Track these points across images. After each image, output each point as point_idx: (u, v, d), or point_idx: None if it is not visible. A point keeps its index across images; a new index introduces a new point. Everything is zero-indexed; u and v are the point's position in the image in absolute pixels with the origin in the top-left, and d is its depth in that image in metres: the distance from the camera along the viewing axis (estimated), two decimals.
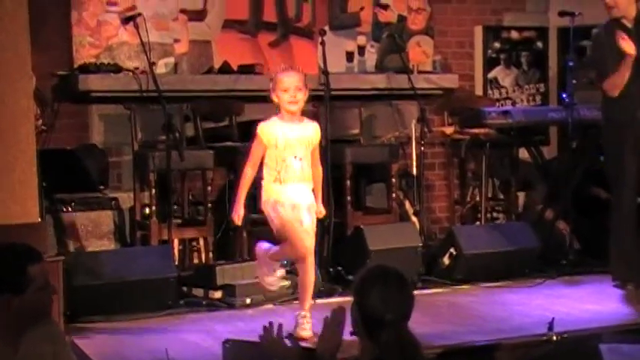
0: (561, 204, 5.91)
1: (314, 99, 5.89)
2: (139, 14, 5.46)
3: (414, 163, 6.03)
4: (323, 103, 5.64)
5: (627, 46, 4.68)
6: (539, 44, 7.16)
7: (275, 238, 4.28)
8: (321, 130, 5.69)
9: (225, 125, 5.93)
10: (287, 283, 5.05)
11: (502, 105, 6.85)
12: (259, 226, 5.63)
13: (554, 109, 6.26)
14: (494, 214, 6.61)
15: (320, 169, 4.35)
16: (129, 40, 5.83)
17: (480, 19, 7.00)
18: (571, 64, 5.62)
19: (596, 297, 4.89)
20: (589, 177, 5.86)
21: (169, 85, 5.56)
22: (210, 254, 5.43)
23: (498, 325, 4.35)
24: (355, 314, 2.45)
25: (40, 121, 4.98)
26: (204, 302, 4.91)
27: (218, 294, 4.89)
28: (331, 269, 5.30)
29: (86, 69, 5.60)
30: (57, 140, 5.48)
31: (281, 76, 4.20)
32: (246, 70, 5.98)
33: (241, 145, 5.39)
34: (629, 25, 4.84)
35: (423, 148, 5.93)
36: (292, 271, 5.10)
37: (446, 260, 5.46)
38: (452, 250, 5.44)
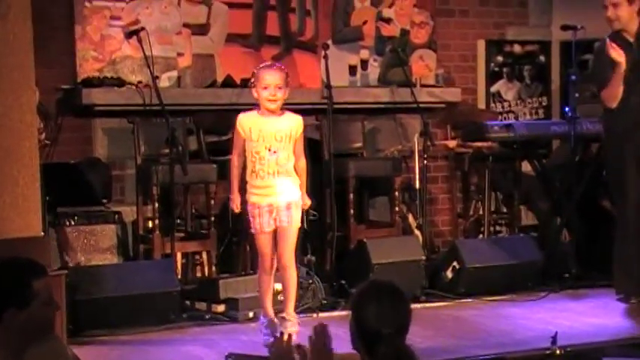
0: (565, 217, 5.90)
1: (317, 112, 5.94)
2: (143, 28, 5.48)
3: (417, 177, 6.03)
4: (326, 117, 5.66)
5: (616, 55, 4.69)
6: (542, 58, 7.17)
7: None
8: (325, 144, 5.77)
9: (229, 139, 5.92)
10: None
11: (505, 118, 6.86)
12: None
13: (557, 123, 6.26)
14: (497, 228, 6.60)
15: (303, 161, 4.37)
16: (132, 54, 5.85)
17: (483, 32, 7.01)
18: (573, 77, 5.62)
19: (599, 311, 4.88)
20: (592, 190, 5.86)
21: (172, 99, 5.58)
22: (213, 268, 5.43)
23: (501, 339, 4.34)
24: (353, 329, 2.45)
25: (44, 135, 5.00)
26: (207, 316, 4.90)
27: (221, 308, 4.88)
28: (334, 283, 5.30)
29: (90, 83, 5.62)
30: (60, 154, 5.49)
31: (262, 73, 4.26)
32: (250, 83, 5.98)
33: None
34: (630, 39, 4.85)
35: (425, 162, 5.93)
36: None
37: (449, 274, 5.46)
38: (455, 263, 5.43)
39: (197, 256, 5.63)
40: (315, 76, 6.29)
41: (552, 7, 7.18)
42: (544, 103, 7.18)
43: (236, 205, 4.30)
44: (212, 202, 5.50)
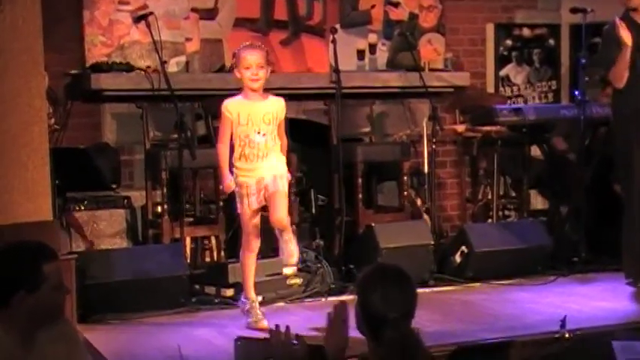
0: (573, 201, 5.89)
1: (325, 97, 5.93)
2: (151, 13, 5.47)
3: (426, 161, 6.03)
4: (334, 102, 5.65)
5: (625, 34, 4.67)
6: (551, 41, 7.13)
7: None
8: (333, 129, 5.77)
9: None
10: (298, 280, 5.06)
11: (514, 103, 6.84)
12: (271, 223, 5.65)
13: (566, 107, 6.24)
14: (506, 212, 6.60)
15: (285, 140, 4.41)
16: (140, 39, 5.85)
17: (492, 16, 6.98)
18: (583, 61, 5.60)
19: (608, 294, 4.88)
20: (602, 174, 5.84)
21: (181, 84, 5.58)
22: (222, 252, 5.44)
23: (510, 323, 4.34)
24: (359, 314, 2.45)
25: (53, 120, 5.02)
26: (216, 300, 4.92)
27: (230, 292, 4.90)
28: (343, 267, 5.31)
29: (98, 68, 5.62)
30: (69, 139, 5.50)
31: (243, 53, 4.25)
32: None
33: None
34: (639, 21, 4.82)
35: (434, 146, 5.92)
36: (304, 269, 5.12)
37: (457, 258, 5.46)
38: (463, 248, 5.44)
39: (206, 241, 5.65)
40: (323, 61, 6.28)
41: None
42: (553, 87, 7.15)
43: (227, 185, 4.27)
44: (221, 186, 5.50)
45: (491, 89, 6.96)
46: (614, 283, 5.05)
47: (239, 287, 4.91)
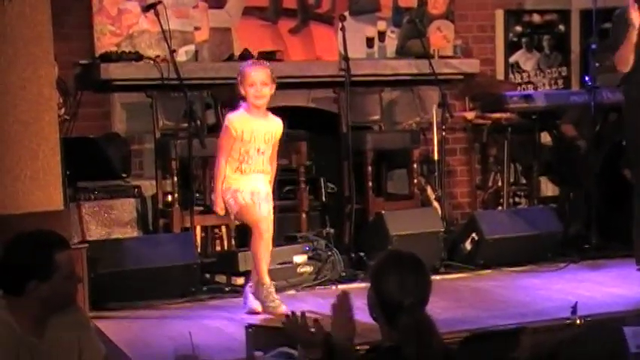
0: (584, 187, 5.87)
1: (334, 85, 5.92)
2: (160, 2, 5.47)
3: (436, 149, 6.01)
4: (343, 90, 5.64)
5: (635, 16, 4.63)
6: (562, 27, 7.09)
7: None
8: (343, 117, 5.76)
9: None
10: (309, 269, 5.08)
11: (524, 89, 6.81)
12: (281, 212, 5.66)
13: (577, 93, 6.21)
14: (516, 199, 6.58)
15: (276, 164, 4.53)
16: (149, 29, 5.84)
17: (501, 2, 6.94)
18: (594, 47, 5.57)
19: (619, 281, 4.86)
20: (613, 160, 5.82)
21: (190, 73, 5.58)
22: (232, 241, 5.45)
23: (521, 310, 4.34)
24: (373, 300, 2.45)
25: (63, 110, 5.03)
26: (226, 288, 4.94)
27: (240, 280, 4.91)
28: (353, 255, 5.31)
29: (108, 57, 5.62)
30: (80, 129, 5.51)
31: (248, 70, 4.35)
32: (267, 56, 5.95)
33: None
34: None
35: (444, 134, 5.91)
36: (314, 257, 5.13)
37: (468, 245, 5.45)
38: (474, 235, 5.43)
39: (216, 230, 5.66)
40: (332, 49, 6.27)
41: None
42: (563, 74, 7.11)
43: (220, 208, 4.38)
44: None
45: (501, 76, 6.93)
46: (625, 269, 5.03)
47: (250, 275, 4.92)
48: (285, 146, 5.63)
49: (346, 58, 5.56)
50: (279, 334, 3.38)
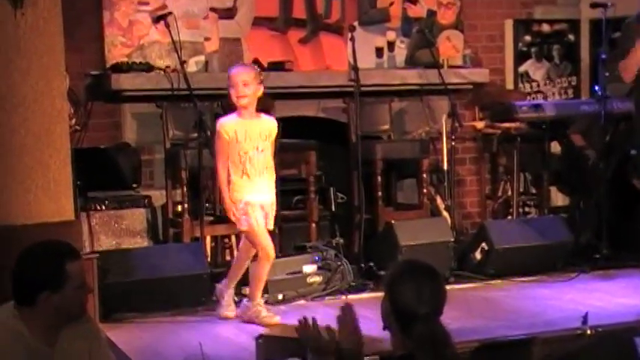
0: (595, 197, 5.85)
1: (344, 95, 5.94)
2: (170, 13, 5.50)
3: (445, 158, 6.01)
4: (353, 99, 5.65)
5: None
6: (571, 37, 7.09)
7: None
8: (352, 126, 5.77)
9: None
10: (319, 279, 5.08)
11: (533, 99, 6.80)
12: (290, 222, 5.67)
13: (587, 102, 6.20)
14: (526, 209, 6.57)
15: (272, 165, 4.51)
16: (160, 39, 5.88)
17: (511, 12, 6.95)
18: (603, 56, 5.56)
19: (630, 291, 4.84)
20: (623, 169, 5.80)
21: (200, 83, 5.60)
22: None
23: (531, 320, 4.33)
24: (387, 309, 2.44)
25: (74, 121, 5.05)
26: (236, 299, 4.93)
27: (248, 290, 4.90)
28: (362, 265, 5.31)
29: (118, 68, 5.65)
30: (90, 139, 5.53)
31: (230, 72, 4.43)
32: (277, 67, 6.00)
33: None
34: None
35: (453, 143, 5.91)
36: (324, 267, 5.13)
37: (478, 255, 5.44)
38: (484, 245, 5.42)
39: (226, 240, 5.66)
40: (341, 59, 6.28)
41: None
42: (573, 83, 7.11)
43: (232, 213, 4.39)
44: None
45: (510, 86, 6.93)
46: (635, 279, 5.02)
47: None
48: (295, 156, 5.66)
49: (356, 68, 5.57)
50: (289, 344, 3.39)
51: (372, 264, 5.28)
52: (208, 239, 5.38)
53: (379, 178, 5.81)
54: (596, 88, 5.82)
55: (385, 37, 6.56)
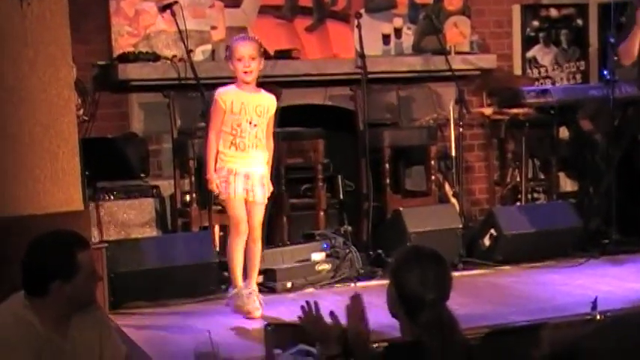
0: (604, 182, 5.84)
1: (351, 83, 5.92)
2: (176, 2, 5.49)
3: (453, 145, 6.00)
4: (360, 87, 5.64)
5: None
6: (579, 21, 7.05)
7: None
8: (359, 114, 5.76)
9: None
10: (327, 266, 5.08)
11: (541, 84, 6.77)
12: (299, 210, 5.67)
13: (595, 87, 6.18)
14: (535, 195, 6.55)
15: (272, 142, 4.45)
16: (166, 29, 5.86)
17: None
18: (612, 40, 5.52)
19: (639, 275, 4.83)
20: (631, 154, 5.78)
21: (207, 72, 5.59)
22: None
23: (541, 305, 4.33)
24: (393, 296, 2.44)
25: (82, 111, 5.05)
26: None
27: (259, 279, 4.91)
28: (371, 252, 5.31)
29: (125, 58, 5.65)
30: (98, 129, 5.54)
31: (235, 45, 4.30)
32: (283, 55, 5.99)
33: (280, 131, 5.40)
34: None
35: (461, 130, 5.89)
36: (332, 255, 5.13)
37: (486, 241, 5.43)
38: (492, 231, 5.41)
39: None
40: (348, 46, 6.26)
41: None
42: (582, 68, 7.07)
43: (216, 185, 4.30)
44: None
45: (518, 71, 6.89)
46: None
47: (268, 274, 4.94)
48: (303, 144, 5.65)
49: (362, 56, 5.55)
50: (298, 332, 3.39)
51: (380, 251, 5.28)
52: (217, 228, 5.37)
53: (387, 166, 5.80)
54: (605, 72, 5.78)
55: (392, 23, 6.53)
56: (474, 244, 5.49)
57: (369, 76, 5.60)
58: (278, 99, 5.85)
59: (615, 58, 5.59)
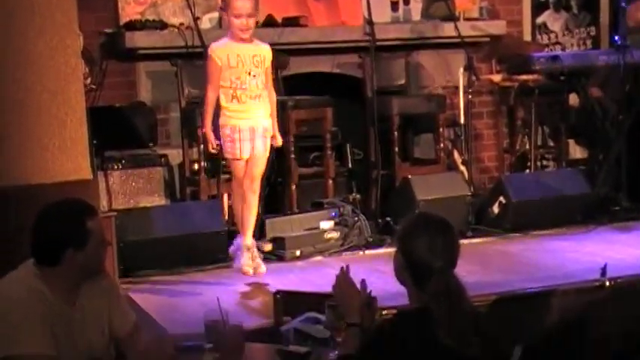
0: (614, 149, 5.80)
1: (359, 50, 5.88)
2: None
3: (462, 113, 5.96)
4: (368, 54, 5.60)
5: None
6: None
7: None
8: (368, 82, 5.73)
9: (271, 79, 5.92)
10: (336, 235, 5.08)
11: (551, 50, 6.71)
12: (307, 179, 5.67)
13: (606, 52, 6.11)
14: (544, 162, 6.53)
15: (274, 93, 4.43)
16: None
17: None
18: (623, 4, 5.47)
19: None
20: None
21: (214, 40, 5.55)
22: (260, 208, 5.46)
23: (550, 273, 4.33)
24: (400, 264, 2.44)
25: (89, 80, 5.03)
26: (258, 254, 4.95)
27: (268, 247, 4.93)
28: (380, 220, 5.31)
29: (132, 26, 5.61)
30: (106, 98, 5.53)
31: (233, 1, 4.23)
32: (291, 22, 5.94)
33: (288, 99, 5.39)
34: None
35: (470, 97, 5.86)
36: (341, 223, 5.13)
37: (495, 209, 5.43)
38: (501, 198, 5.40)
39: None
40: (356, 13, 6.20)
41: None
42: (592, 34, 7.00)
43: (213, 145, 4.30)
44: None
45: (528, 37, 6.84)
46: None
47: (277, 242, 4.95)
48: (311, 112, 5.63)
49: (371, 23, 5.51)
50: (307, 299, 3.40)
51: (389, 219, 5.28)
52: (225, 197, 5.37)
53: (395, 134, 5.78)
54: (616, 38, 5.72)
55: None
56: (483, 211, 5.48)
57: (378, 43, 5.57)
58: (285, 67, 5.86)
59: (627, 23, 5.54)
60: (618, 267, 4.13)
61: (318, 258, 4.93)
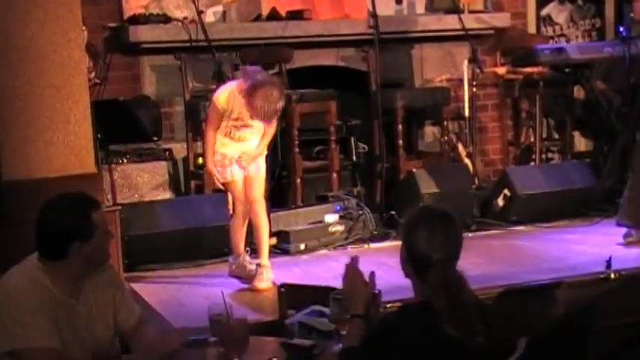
0: (619, 141, 5.79)
1: (363, 43, 5.87)
2: None
3: (467, 105, 5.95)
4: (373, 48, 5.59)
5: None
6: None
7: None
8: (372, 75, 5.71)
9: (275, 72, 5.91)
10: (341, 228, 5.08)
11: (556, 43, 6.70)
12: (312, 172, 5.67)
13: (611, 44, 6.08)
14: (549, 155, 6.52)
15: (273, 130, 4.41)
16: None
17: None
18: None
19: None
20: None
21: (218, 34, 5.55)
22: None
23: (555, 265, 4.33)
24: (404, 256, 2.44)
25: (93, 74, 5.04)
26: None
27: (273, 240, 4.92)
28: (384, 214, 5.31)
29: (136, 20, 5.61)
30: (110, 92, 5.54)
31: (259, 97, 4.14)
32: (295, 16, 5.94)
33: (292, 93, 5.38)
34: None
35: (475, 90, 5.83)
36: (345, 216, 5.13)
37: (500, 202, 5.42)
38: (506, 191, 5.40)
39: None
40: (360, 6, 6.18)
41: None
42: (597, 25, 6.98)
43: (218, 180, 4.35)
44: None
45: (532, 29, 6.82)
46: None
47: (282, 236, 4.95)
48: (315, 106, 5.63)
49: (375, 16, 5.49)
50: (312, 292, 3.40)
51: (393, 212, 5.27)
52: None
53: (400, 127, 5.78)
54: (621, 29, 5.70)
55: None
56: (488, 204, 5.47)
57: (382, 36, 5.55)
58: (289, 60, 5.85)
59: (632, 15, 5.51)
60: (623, 259, 4.13)
61: (323, 251, 4.93)
